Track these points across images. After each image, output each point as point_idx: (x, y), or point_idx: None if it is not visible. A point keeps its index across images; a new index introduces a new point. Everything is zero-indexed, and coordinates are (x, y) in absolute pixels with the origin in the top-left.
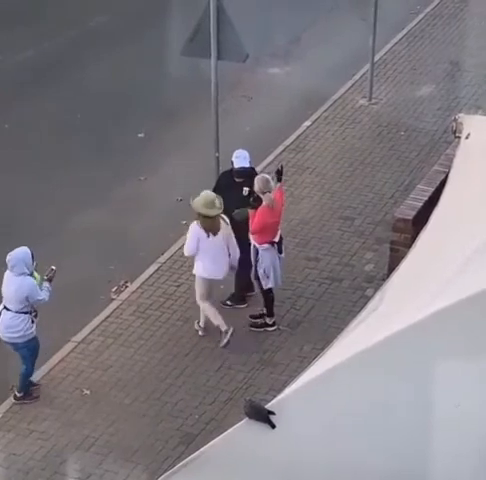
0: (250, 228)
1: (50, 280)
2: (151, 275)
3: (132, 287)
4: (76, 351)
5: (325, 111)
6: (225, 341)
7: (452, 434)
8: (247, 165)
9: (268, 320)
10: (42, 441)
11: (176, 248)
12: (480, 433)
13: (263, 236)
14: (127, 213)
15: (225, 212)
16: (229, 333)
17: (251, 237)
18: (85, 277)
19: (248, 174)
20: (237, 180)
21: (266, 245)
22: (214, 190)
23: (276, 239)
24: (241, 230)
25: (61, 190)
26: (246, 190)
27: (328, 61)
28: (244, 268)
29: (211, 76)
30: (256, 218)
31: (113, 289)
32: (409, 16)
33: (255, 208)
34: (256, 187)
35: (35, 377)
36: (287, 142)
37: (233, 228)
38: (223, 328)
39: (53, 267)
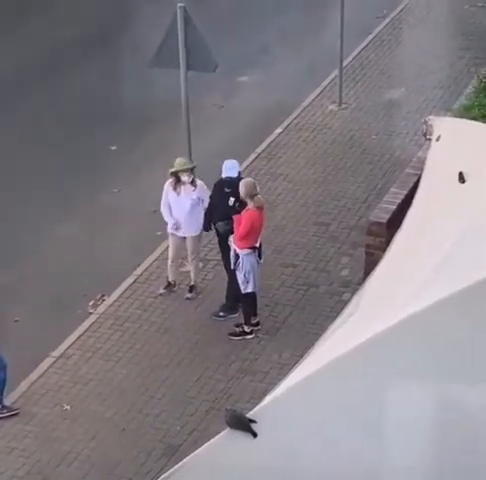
0: (236, 234)
1: None
2: (127, 288)
3: (109, 300)
4: (55, 366)
5: (296, 118)
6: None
7: (429, 435)
8: (235, 175)
9: (246, 328)
10: (24, 458)
11: (152, 259)
12: (458, 434)
13: (247, 241)
14: (101, 225)
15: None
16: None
17: (234, 243)
18: (61, 292)
19: (236, 184)
20: (226, 190)
21: (248, 250)
22: (210, 200)
23: (257, 244)
24: (225, 240)
25: (33, 203)
26: (232, 200)
27: (297, 68)
28: (235, 278)
29: (181, 87)
30: (243, 222)
31: (90, 303)
32: (375, 21)
33: (239, 213)
34: (244, 192)
35: (16, 394)
36: (259, 150)
37: (222, 239)
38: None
39: None
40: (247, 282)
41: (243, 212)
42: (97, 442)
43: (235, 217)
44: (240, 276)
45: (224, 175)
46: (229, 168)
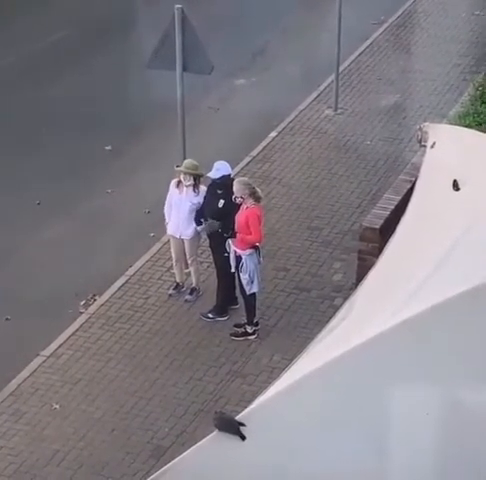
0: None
1: None
2: (119, 288)
3: (100, 300)
4: (45, 365)
5: (291, 122)
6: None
7: (419, 444)
8: (217, 176)
9: (249, 329)
10: (12, 457)
11: (144, 260)
12: (446, 439)
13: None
14: (95, 226)
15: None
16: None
17: (234, 245)
18: (53, 291)
19: (226, 186)
20: (218, 192)
21: (250, 250)
22: (203, 200)
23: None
24: (215, 241)
25: (27, 203)
26: (221, 202)
27: (293, 72)
28: (225, 280)
29: (177, 88)
30: (250, 220)
31: (81, 302)
32: (373, 26)
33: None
34: (241, 189)
35: (5, 392)
36: (253, 153)
37: (211, 241)
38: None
39: None
40: (251, 282)
41: (243, 211)
42: (86, 442)
43: (237, 219)
44: (244, 277)
45: (212, 176)
46: (215, 168)
